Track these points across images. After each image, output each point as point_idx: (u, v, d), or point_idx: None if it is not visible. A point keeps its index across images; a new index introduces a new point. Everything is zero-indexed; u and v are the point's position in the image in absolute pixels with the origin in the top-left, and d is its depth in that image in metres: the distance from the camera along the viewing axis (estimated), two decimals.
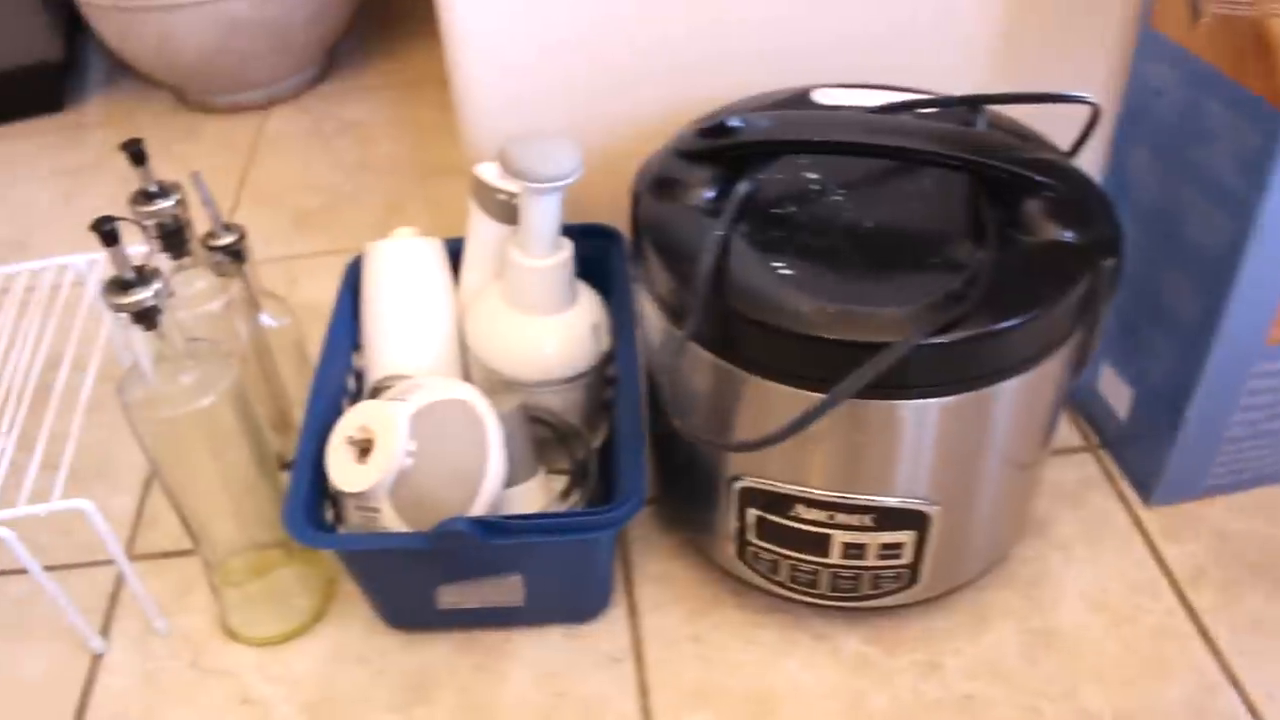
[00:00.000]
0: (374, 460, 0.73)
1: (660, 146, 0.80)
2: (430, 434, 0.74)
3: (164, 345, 0.69)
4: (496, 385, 0.86)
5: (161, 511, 0.96)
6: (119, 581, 0.90)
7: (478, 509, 0.75)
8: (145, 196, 0.76)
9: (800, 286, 0.66)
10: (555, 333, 0.84)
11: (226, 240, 0.87)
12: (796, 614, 0.83)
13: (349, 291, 0.92)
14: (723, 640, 0.83)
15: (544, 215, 0.80)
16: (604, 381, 0.89)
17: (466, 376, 0.90)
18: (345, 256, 0.97)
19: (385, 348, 0.87)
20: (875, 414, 0.68)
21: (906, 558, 0.76)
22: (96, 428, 1.00)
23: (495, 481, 0.75)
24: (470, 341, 0.87)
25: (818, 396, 0.63)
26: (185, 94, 1.55)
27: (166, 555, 0.92)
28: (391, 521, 0.74)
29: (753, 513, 0.76)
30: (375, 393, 0.87)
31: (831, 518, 0.73)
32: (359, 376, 0.90)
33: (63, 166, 1.46)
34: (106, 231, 0.63)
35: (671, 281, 0.70)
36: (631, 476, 0.74)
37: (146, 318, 0.67)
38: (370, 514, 0.75)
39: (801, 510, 0.74)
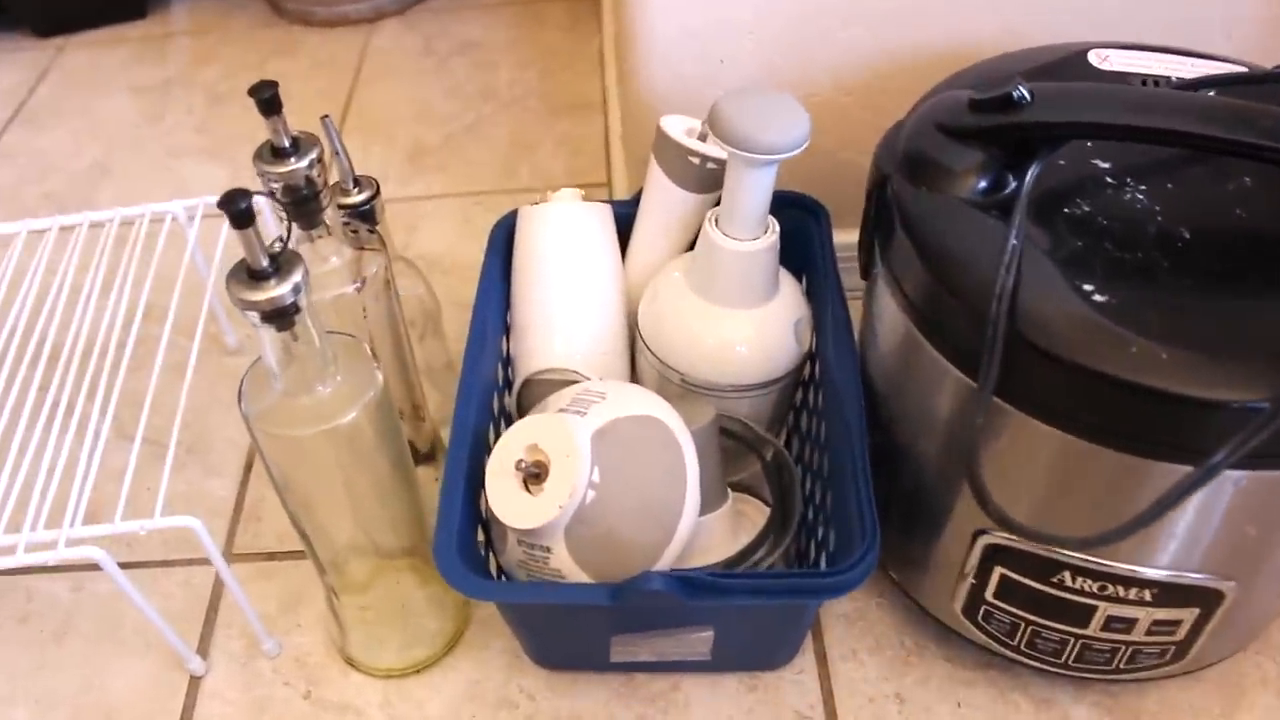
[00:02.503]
0: (548, 491, 0.60)
1: (906, 114, 0.65)
2: (616, 460, 0.61)
3: (300, 346, 0.55)
4: (671, 387, 0.72)
5: (266, 502, 0.84)
6: (219, 585, 0.79)
7: (670, 554, 0.61)
8: (275, 154, 0.61)
9: (1124, 318, 0.51)
10: (754, 330, 0.70)
11: (359, 197, 0.73)
12: (1014, 672, 0.70)
13: (497, 260, 0.77)
14: (928, 700, 0.70)
15: (757, 190, 0.66)
16: (797, 385, 0.75)
17: (632, 372, 0.76)
18: (467, 202, 0.83)
19: (545, 335, 0.73)
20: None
21: (1180, 634, 0.62)
22: (195, 392, 0.88)
23: (691, 519, 0.62)
24: (646, 334, 0.73)
25: (1177, 468, 0.50)
26: (281, 1, 1.40)
27: (272, 556, 0.80)
28: (565, 565, 0.61)
29: (998, 571, 0.62)
30: (530, 390, 0.74)
31: (1103, 589, 0.60)
32: (507, 364, 0.76)
33: (146, 81, 1.32)
34: (239, 212, 0.49)
35: (950, 300, 0.56)
36: (862, 527, 0.60)
37: (282, 317, 0.53)
38: (539, 554, 0.61)
39: (1067, 578, 0.60)
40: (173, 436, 0.69)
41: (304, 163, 0.61)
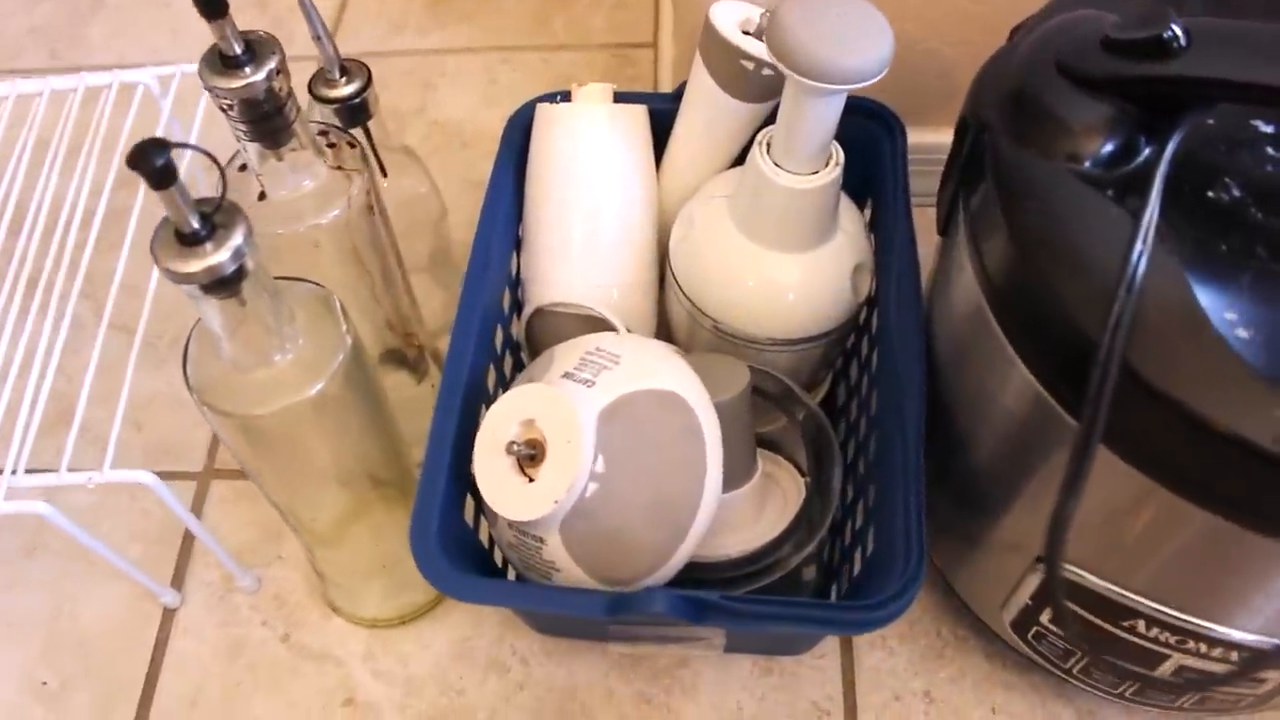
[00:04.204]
0: (544, 479, 0.51)
1: (1020, 40, 0.51)
2: (626, 447, 0.52)
3: (250, 310, 0.46)
4: (703, 333, 0.62)
5: None
6: (199, 503, 0.72)
7: (681, 555, 0.53)
8: (225, 63, 0.49)
9: (1275, 364, 0.40)
10: (804, 277, 0.59)
11: (347, 89, 0.61)
12: (1057, 679, 0.63)
13: (509, 163, 0.66)
14: (961, 701, 0.63)
15: (821, 121, 0.54)
16: (850, 334, 0.65)
17: (661, 310, 0.66)
18: (493, 59, 0.71)
19: (561, 262, 0.63)
20: None
21: (1266, 689, 0.54)
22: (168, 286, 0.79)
23: (708, 518, 0.53)
24: (678, 270, 0.62)
25: None
26: None
27: None
28: (559, 558, 0.53)
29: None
30: (541, 321, 0.64)
31: (1182, 643, 0.51)
32: (517, 287, 0.66)
33: None
34: (157, 171, 0.39)
35: (1042, 300, 0.45)
36: (906, 546, 0.51)
37: (224, 286, 0.44)
38: (531, 542, 0.53)
39: (1140, 625, 0.51)
40: (139, 331, 0.62)
41: (261, 74, 0.49)
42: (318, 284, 0.52)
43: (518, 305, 0.66)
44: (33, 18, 1.03)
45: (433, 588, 0.62)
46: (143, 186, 0.66)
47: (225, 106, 0.50)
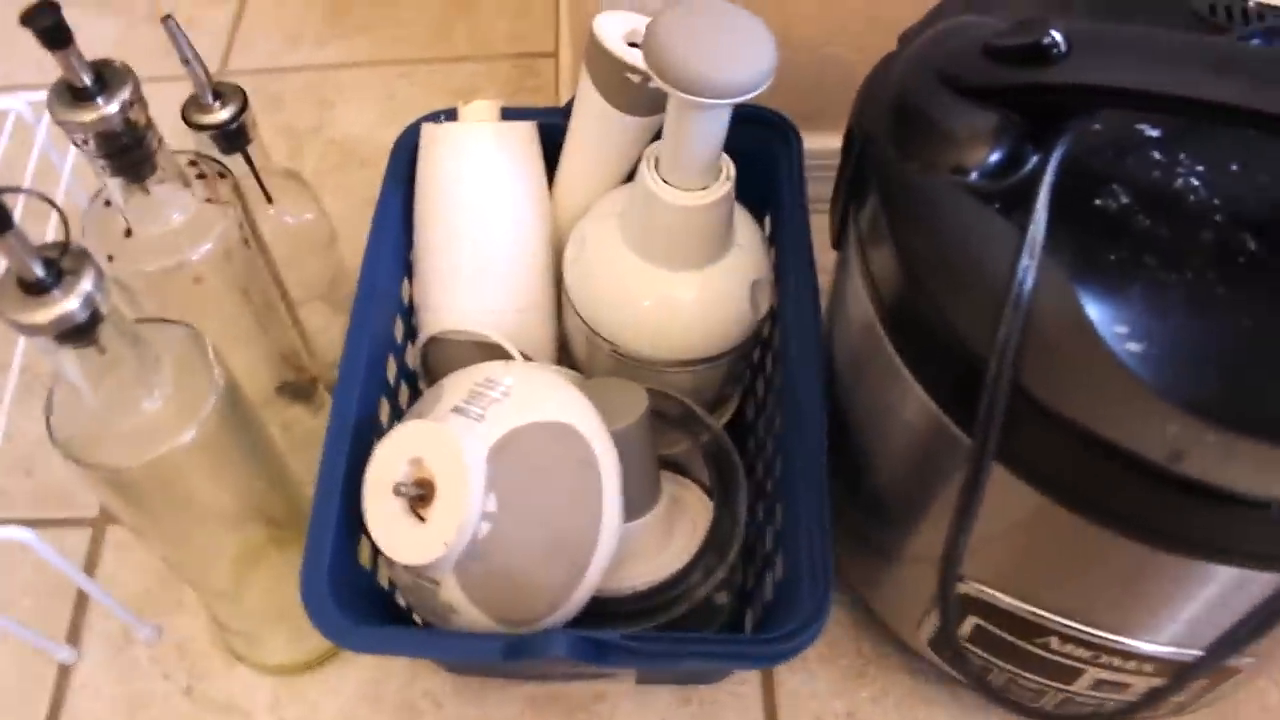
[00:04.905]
0: (434, 521, 0.49)
1: (902, 49, 0.50)
2: (518, 484, 0.50)
3: (110, 357, 0.43)
4: (602, 356, 0.60)
5: None
6: (94, 552, 0.69)
7: (580, 596, 0.51)
8: (75, 94, 0.46)
9: (1164, 379, 0.39)
10: (701, 294, 0.57)
11: (223, 114, 0.59)
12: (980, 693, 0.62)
13: (396, 190, 0.63)
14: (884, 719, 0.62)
15: (708, 136, 0.52)
16: (751, 351, 0.63)
17: (559, 330, 0.64)
18: (392, 73, 0.69)
19: (450, 287, 0.61)
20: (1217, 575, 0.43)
21: (1183, 696, 0.53)
22: None
23: (606, 556, 0.51)
24: (572, 292, 0.60)
25: (1218, 569, 0.41)
26: None
27: None
28: (456, 600, 0.51)
29: (973, 621, 0.53)
30: (435, 350, 0.62)
31: (1096, 657, 0.50)
32: (409, 313, 0.64)
33: None
34: (49, 30, 0.37)
35: (930, 320, 0.43)
36: (812, 574, 0.49)
37: (79, 335, 0.41)
38: (426, 584, 0.51)
39: (1053, 642, 0.50)
40: (12, 371, 0.59)
41: (114, 105, 0.47)
42: (186, 325, 0.49)
43: (412, 333, 0.64)
44: None
45: None
46: (17, 214, 0.64)
47: (79, 141, 0.48)
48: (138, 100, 0.48)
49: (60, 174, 0.69)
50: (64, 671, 0.65)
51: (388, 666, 0.64)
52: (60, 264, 0.40)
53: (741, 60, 0.49)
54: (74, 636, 0.66)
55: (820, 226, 0.58)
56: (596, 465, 0.51)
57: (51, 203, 0.41)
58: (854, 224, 0.51)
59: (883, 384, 0.50)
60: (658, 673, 0.57)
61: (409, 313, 0.64)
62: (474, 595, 0.50)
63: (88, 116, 0.47)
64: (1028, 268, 0.41)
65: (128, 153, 0.49)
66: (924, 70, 0.47)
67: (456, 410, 0.52)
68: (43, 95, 0.68)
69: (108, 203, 0.53)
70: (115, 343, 0.43)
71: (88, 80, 0.46)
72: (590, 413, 0.52)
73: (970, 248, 0.43)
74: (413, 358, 0.63)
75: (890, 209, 0.46)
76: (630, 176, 0.62)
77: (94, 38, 0.94)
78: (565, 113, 0.63)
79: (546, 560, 0.50)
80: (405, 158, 0.63)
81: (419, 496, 0.50)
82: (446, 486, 0.49)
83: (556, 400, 0.52)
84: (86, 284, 0.41)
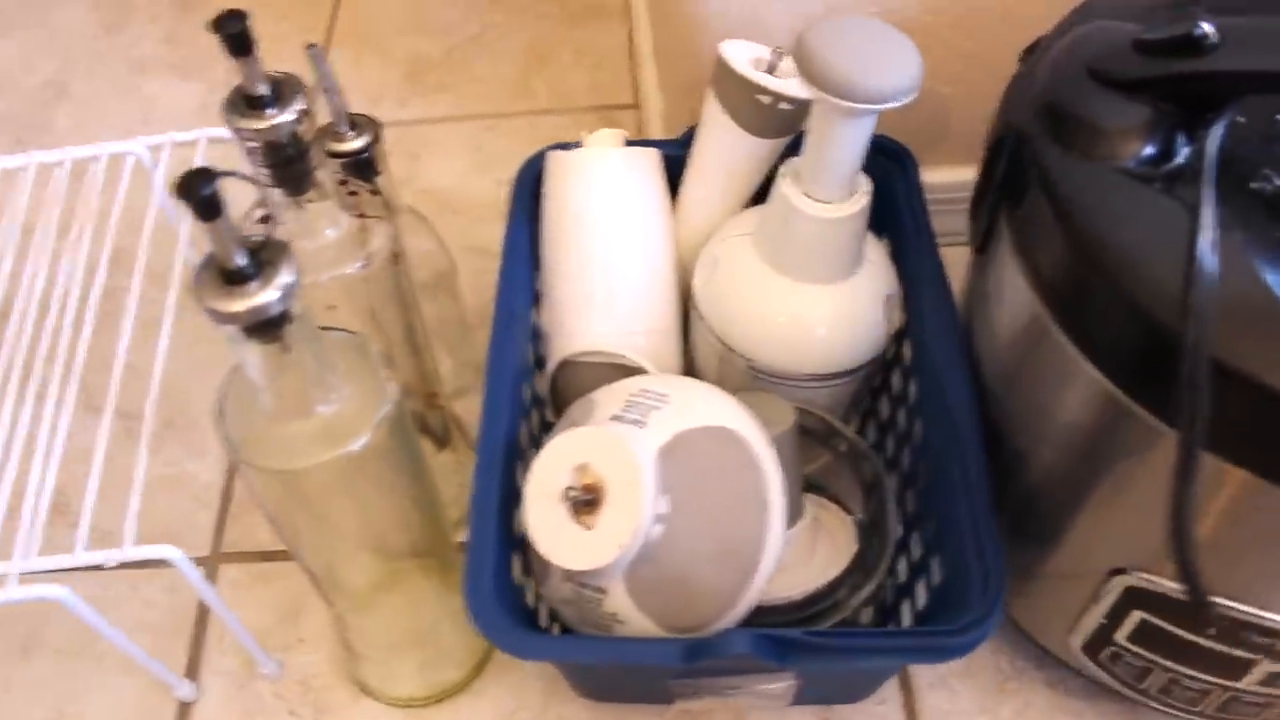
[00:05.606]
0: (605, 525, 0.49)
1: (1047, 50, 0.52)
2: (687, 486, 0.50)
3: (292, 357, 0.44)
4: (735, 374, 0.61)
5: None
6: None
7: (749, 598, 0.51)
8: (249, 103, 0.48)
9: None
10: (838, 309, 0.58)
11: (356, 143, 0.60)
12: (1127, 704, 0.61)
13: (523, 216, 0.64)
14: None
15: (852, 145, 0.53)
16: (880, 369, 0.64)
17: (686, 351, 0.65)
18: (477, 126, 0.71)
19: (584, 310, 0.61)
20: None
21: None
22: (171, 358, 0.76)
23: (775, 556, 0.51)
24: (705, 311, 0.61)
25: None
26: None
27: (268, 556, 0.70)
28: (623, 608, 0.50)
29: (1137, 615, 0.52)
30: (567, 374, 0.62)
31: (1273, 645, 0.50)
32: (536, 340, 0.65)
33: None
34: (203, 201, 0.37)
35: (1110, 302, 0.44)
36: (982, 565, 0.49)
37: (269, 329, 0.42)
38: (591, 594, 0.51)
39: (1228, 632, 0.50)
40: (147, 416, 0.58)
41: (289, 114, 0.48)
42: (354, 332, 0.49)
43: (540, 360, 0.64)
44: None
45: (468, 663, 0.61)
46: (139, 264, 0.65)
47: (250, 150, 0.49)
48: (306, 115, 0.49)
49: (166, 214, 0.70)
50: (184, 709, 0.63)
51: (519, 696, 0.62)
52: (261, 255, 0.41)
53: (891, 67, 0.50)
54: (192, 674, 0.65)
55: None
56: (760, 468, 0.51)
57: (257, 183, 0.42)
58: (1006, 222, 0.52)
59: (1046, 380, 0.50)
60: (813, 684, 0.57)
61: (535, 337, 0.64)
62: (642, 601, 0.50)
63: (260, 124, 0.48)
64: (1211, 239, 0.42)
65: (291, 165, 0.50)
66: (1075, 68, 0.49)
67: (615, 419, 0.52)
68: (159, 139, 0.71)
69: (264, 219, 0.54)
70: (300, 343, 0.44)
71: (264, 90, 0.48)
72: (749, 418, 0.53)
73: (1146, 227, 0.44)
74: (542, 383, 0.64)
75: (1056, 200, 0.47)
76: (754, 200, 0.63)
77: (176, 98, 0.97)
78: (682, 144, 0.65)
79: (716, 563, 0.50)
80: (529, 183, 0.65)
81: (587, 502, 0.50)
82: (617, 489, 0.49)
83: (715, 406, 0.53)
84: (286, 277, 0.41)
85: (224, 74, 0.97)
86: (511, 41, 1.01)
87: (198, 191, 0.37)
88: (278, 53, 0.51)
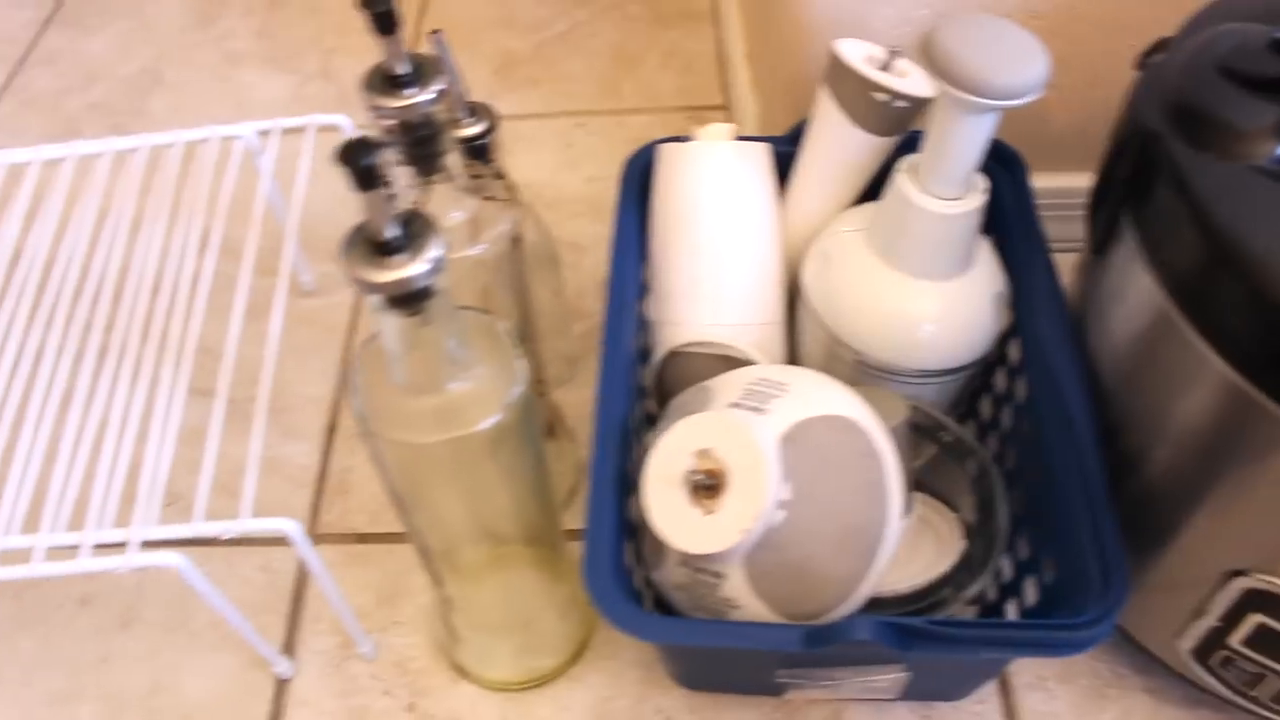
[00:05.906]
0: (728, 509, 0.49)
1: (1175, 52, 0.52)
2: (809, 472, 0.50)
3: (429, 332, 0.44)
4: (842, 367, 0.61)
5: (355, 471, 0.74)
6: (304, 570, 0.69)
7: (867, 587, 0.51)
8: (390, 83, 0.48)
9: None
10: (949, 305, 0.58)
11: (475, 129, 0.61)
12: (1228, 712, 0.60)
13: (632, 208, 0.65)
14: None
15: (974, 141, 0.54)
16: (986, 368, 0.64)
17: (790, 344, 0.65)
18: (567, 123, 0.71)
19: (693, 301, 0.62)
20: None
21: None
22: (267, 341, 0.77)
23: (893, 544, 0.51)
24: (817, 303, 0.61)
25: None
26: None
27: (364, 538, 0.70)
28: (739, 594, 0.51)
29: (1255, 619, 0.52)
30: (674, 364, 0.63)
31: None
32: (642, 331, 0.65)
33: None
34: (365, 170, 0.38)
35: (1254, 302, 0.44)
36: (1102, 562, 0.49)
37: (412, 301, 0.42)
38: (707, 579, 0.51)
39: None
40: (260, 399, 0.59)
41: (429, 94, 0.49)
42: (487, 312, 0.50)
43: (645, 352, 0.65)
44: (90, 95, 1.02)
45: (564, 651, 0.61)
46: (250, 248, 0.66)
47: (386, 127, 0.49)
48: (444, 97, 0.50)
49: (287, 203, 0.71)
50: (281, 686, 0.64)
51: (617, 683, 0.63)
52: (413, 227, 0.42)
53: (1019, 65, 0.51)
54: (289, 652, 0.65)
55: None
56: (880, 457, 0.51)
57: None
58: (1131, 221, 0.52)
59: (1169, 379, 0.50)
60: (930, 676, 0.56)
61: (641, 328, 0.65)
62: (760, 587, 0.50)
63: (400, 103, 0.49)
64: None
65: (424, 145, 0.51)
66: (1207, 69, 0.49)
67: (735, 406, 0.53)
68: (267, 124, 0.72)
69: (389, 197, 0.54)
70: (439, 318, 0.44)
71: (405, 69, 0.48)
72: (867, 408, 0.53)
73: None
74: (648, 373, 0.64)
75: (1191, 197, 0.47)
76: (863, 198, 0.64)
77: (268, 89, 0.98)
78: (790, 140, 0.65)
79: (837, 550, 0.50)
80: (637, 176, 0.65)
81: (709, 486, 0.50)
82: (740, 475, 0.49)
83: (834, 396, 0.53)
84: (434, 250, 0.42)
85: (316, 66, 0.99)
86: (599, 40, 1.02)
87: (359, 161, 0.38)
88: (366, 46, 0.51)
